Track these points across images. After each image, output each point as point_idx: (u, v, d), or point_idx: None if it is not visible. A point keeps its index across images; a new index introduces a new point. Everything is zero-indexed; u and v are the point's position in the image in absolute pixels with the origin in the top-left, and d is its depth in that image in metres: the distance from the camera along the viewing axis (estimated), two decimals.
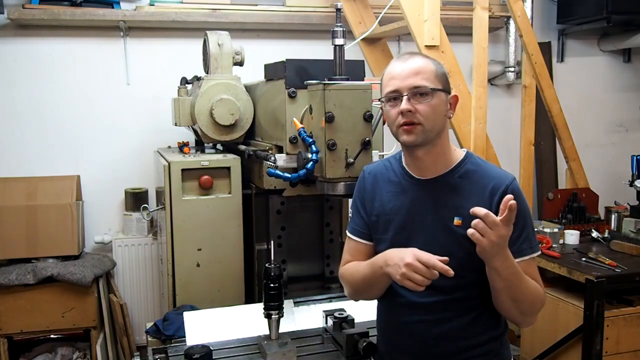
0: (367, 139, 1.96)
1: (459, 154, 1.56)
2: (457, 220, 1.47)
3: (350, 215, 1.70)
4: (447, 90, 1.50)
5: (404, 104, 1.45)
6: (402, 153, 1.62)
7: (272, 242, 1.95)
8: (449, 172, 1.52)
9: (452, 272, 1.34)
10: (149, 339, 2.24)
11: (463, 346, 1.52)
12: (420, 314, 1.52)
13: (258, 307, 2.01)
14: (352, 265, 1.63)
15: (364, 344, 1.77)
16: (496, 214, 1.36)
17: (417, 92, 1.45)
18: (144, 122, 3.54)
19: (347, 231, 1.70)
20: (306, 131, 2.02)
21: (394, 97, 1.48)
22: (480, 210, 1.32)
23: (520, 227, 1.46)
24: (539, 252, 1.52)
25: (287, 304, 1.95)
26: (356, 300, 1.70)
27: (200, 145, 2.91)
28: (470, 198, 1.48)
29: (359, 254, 1.65)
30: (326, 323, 1.98)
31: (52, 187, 3.24)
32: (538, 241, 1.54)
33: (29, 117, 3.42)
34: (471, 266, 1.47)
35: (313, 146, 1.95)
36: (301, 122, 2.09)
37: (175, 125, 2.77)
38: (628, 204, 3.31)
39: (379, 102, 1.56)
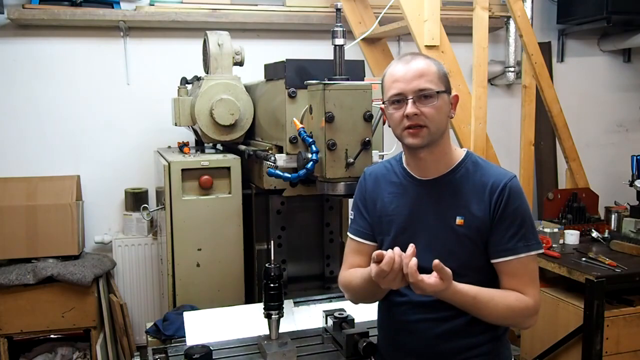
0: (367, 139, 1.96)
1: (459, 153, 1.56)
2: (459, 220, 1.48)
3: (351, 217, 1.70)
4: (449, 90, 1.50)
5: (410, 108, 1.44)
6: (403, 154, 1.61)
7: (272, 242, 1.95)
8: (450, 172, 1.52)
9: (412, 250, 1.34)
10: (149, 339, 2.24)
11: (464, 345, 1.52)
12: (422, 312, 1.53)
13: (258, 307, 2.01)
14: (350, 273, 1.62)
15: (364, 344, 1.77)
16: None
17: (422, 95, 1.44)
18: (144, 122, 3.54)
19: (348, 233, 1.69)
20: (306, 131, 2.02)
21: (398, 100, 1.47)
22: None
23: (517, 225, 1.46)
24: (539, 251, 1.50)
25: (287, 304, 1.96)
26: (357, 304, 1.70)
27: (200, 145, 2.91)
28: (470, 197, 1.49)
29: (362, 256, 1.64)
30: (326, 323, 1.98)
31: (52, 187, 3.24)
32: (539, 240, 1.52)
33: (29, 117, 3.42)
34: (473, 265, 1.48)
35: (313, 146, 1.95)
36: (301, 122, 2.09)
37: (175, 125, 2.77)
38: (628, 204, 3.31)
39: (382, 104, 1.55)
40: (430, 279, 1.35)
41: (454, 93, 1.53)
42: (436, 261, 1.33)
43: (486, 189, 1.48)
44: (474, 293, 1.43)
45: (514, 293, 1.47)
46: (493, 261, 1.48)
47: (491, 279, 1.51)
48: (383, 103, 1.53)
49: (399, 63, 1.50)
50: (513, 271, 1.47)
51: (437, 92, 1.45)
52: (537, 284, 1.50)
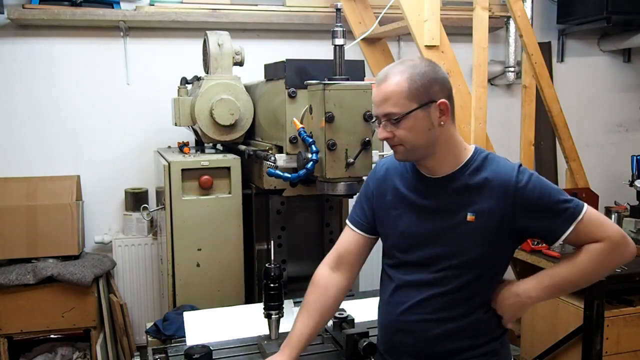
0: (367, 139, 1.96)
1: (468, 150, 1.53)
2: (470, 216, 1.47)
3: (353, 204, 1.71)
4: (426, 103, 1.44)
5: (380, 133, 1.48)
6: None
7: (272, 242, 1.95)
8: (460, 170, 1.50)
9: None
10: (149, 339, 2.24)
11: (463, 346, 1.52)
12: (421, 313, 1.52)
13: (258, 307, 2.01)
14: (304, 308, 1.67)
15: (364, 344, 1.77)
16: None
17: (389, 119, 1.45)
18: (144, 122, 3.54)
19: (347, 220, 1.70)
20: (306, 131, 2.02)
21: (377, 120, 1.51)
22: None
23: (547, 208, 1.44)
24: (584, 210, 1.45)
25: (287, 304, 1.95)
26: None
27: (200, 145, 2.91)
28: (482, 193, 1.47)
29: (352, 246, 1.66)
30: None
31: (52, 187, 3.24)
32: (576, 202, 1.47)
33: (29, 117, 3.42)
34: (480, 264, 1.48)
35: (313, 146, 1.95)
36: (301, 122, 2.09)
37: (175, 125, 2.77)
38: (628, 204, 3.31)
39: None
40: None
41: (440, 100, 1.45)
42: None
43: (499, 186, 1.46)
44: (563, 279, 1.48)
45: (584, 248, 1.47)
46: (555, 244, 1.50)
47: (500, 272, 1.54)
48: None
49: (376, 83, 1.50)
50: (578, 238, 1.46)
51: (402, 116, 1.42)
52: (604, 225, 1.47)
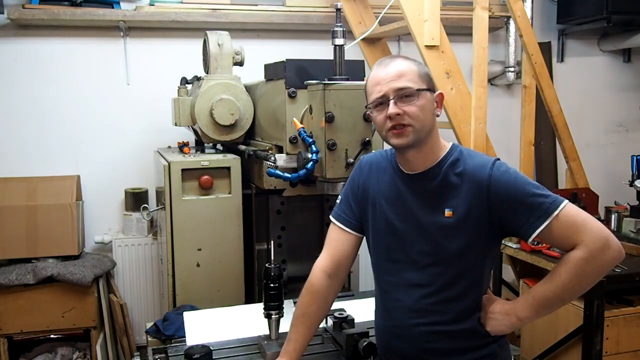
0: (367, 139, 1.96)
1: (445, 146, 1.55)
2: (447, 212, 1.48)
3: (337, 201, 1.70)
4: (432, 89, 1.50)
5: (391, 108, 1.45)
6: None
7: (272, 242, 1.95)
8: (437, 165, 1.51)
9: None
10: (149, 339, 2.24)
11: (461, 348, 1.51)
12: (417, 317, 1.52)
13: (258, 307, 2.01)
14: (299, 312, 1.69)
15: (364, 344, 1.77)
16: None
17: (403, 94, 1.45)
18: (144, 122, 3.54)
19: (331, 216, 1.68)
20: (306, 131, 2.03)
21: (381, 102, 1.48)
22: None
23: (520, 202, 1.42)
24: (562, 205, 1.41)
25: (287, 304, 1.95)
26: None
27: (200, 145, 2.91)
28: (458, 189, 1.48)
29: (346, 247, 1.65)
30: (326, 323, 1.98)
31: (52, 187, 3.24)
32: (554, 197, 1.42)
33: (29, 117, 3.42)
34: (461, 260, 1.48)
35: (313, 146, 1.95)
36: (301, 122, 2.09)
37: (175, 125, 2.77)
38: (628, 204, 3.31)
39: (367, 110, 1.55)
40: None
41: (439, 91, 1.53)
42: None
43: (473, 182, 1.46)
44: (545, 297, 1.45)
45: (563, 259, 1.43)
46: (529, 241, 1.45)
47: (485, 270, 1.53)
48: (367, 108, 1.54)
49: (379, 67, 1.51)
50: (552, 237, 1.42)
51: (418, 90, 1.45)
52: (584, 227, 1.40)
